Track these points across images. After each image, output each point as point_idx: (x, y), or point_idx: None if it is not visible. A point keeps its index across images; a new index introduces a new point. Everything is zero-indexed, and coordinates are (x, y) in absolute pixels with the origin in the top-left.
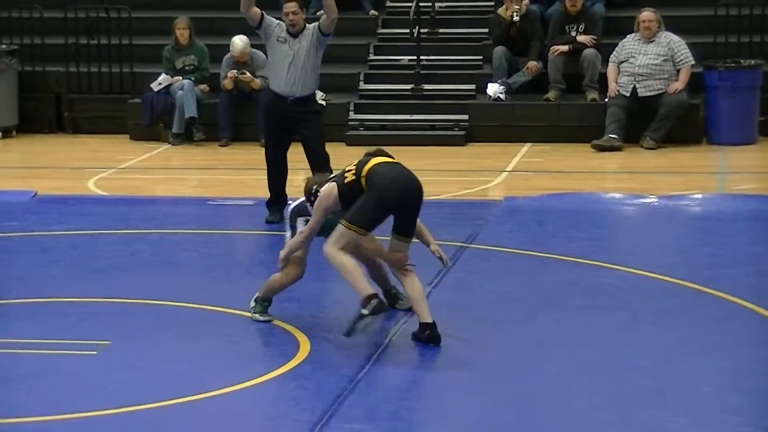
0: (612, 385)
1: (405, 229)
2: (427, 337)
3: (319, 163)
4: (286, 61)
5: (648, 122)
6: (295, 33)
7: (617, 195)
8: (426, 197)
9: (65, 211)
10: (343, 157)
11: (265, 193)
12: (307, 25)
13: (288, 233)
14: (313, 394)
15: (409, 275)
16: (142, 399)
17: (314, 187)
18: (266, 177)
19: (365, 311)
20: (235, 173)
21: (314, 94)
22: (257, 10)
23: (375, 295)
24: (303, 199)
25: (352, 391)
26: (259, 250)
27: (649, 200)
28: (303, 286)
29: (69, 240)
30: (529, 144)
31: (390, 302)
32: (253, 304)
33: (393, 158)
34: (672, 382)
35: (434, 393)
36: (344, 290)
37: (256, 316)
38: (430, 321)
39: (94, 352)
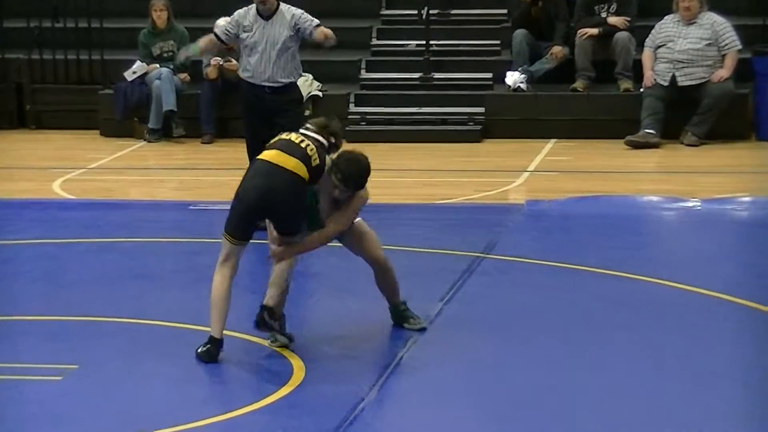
0: (648, 412)
1: (278, 228)
2: (257, 318)
3: None
4: (258, 47)
5: (689, 115)
6: (266, 14)
7: (654, 198)
8: (438, 201)
9: (27, 217)
10: None
11: None
12: (282, 5)
13: None
14: (309, 426)
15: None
16: (113, 431)
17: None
18: None
19: (198, 350)
20: (219, 174)
21: (295, 81)
22: (216, 41)
23: (215, 342)
24: None
25: (354, 423)
26: (247, 262)
27: (690, 204)
28: (298, 302)
29: (31, 250)
30: (553, 140)
31: (398, 321)
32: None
33: (286, 150)
34: (715, 408)
35: (447, 425)
36: (346, 307)
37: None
38: (267, 304)
39: (60, 378)
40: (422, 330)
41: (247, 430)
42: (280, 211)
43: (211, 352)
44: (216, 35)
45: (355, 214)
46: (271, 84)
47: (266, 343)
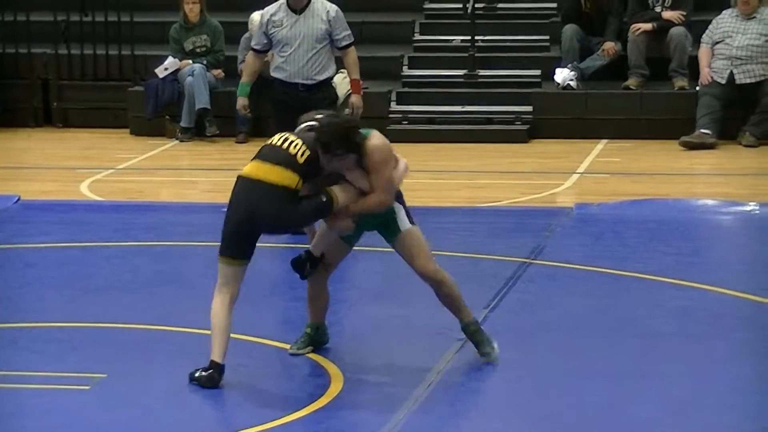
0: (705, 429)
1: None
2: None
3: None
4: (291, 42)
5: (747, 115)
6: (298, 7)
7: (710, 202)
8: (483, 203)
9: (54, 220)
10: None
11: None
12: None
13: None
14: None
15: None
16: None
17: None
18: None
19: (195, 374)
20: None
21: (330, 78)
22: (257, 58)
23: (217, 366)
24: None
25: (401, 428)
26: (283, 268)
27: (748, 208)
28: (335, 309)
29: (58, 254)
30: (604, 141)
31: (471, 341)
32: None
33: (267, 158)
34: None
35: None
36: (385, 313)
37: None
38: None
39: (87, 387)
40: (493, 361)
41: None
42: (272, 225)
43: (214, 377)
44: (254, 50)
45: (389, 169)
46: (304, 81)
47: (300, 352)
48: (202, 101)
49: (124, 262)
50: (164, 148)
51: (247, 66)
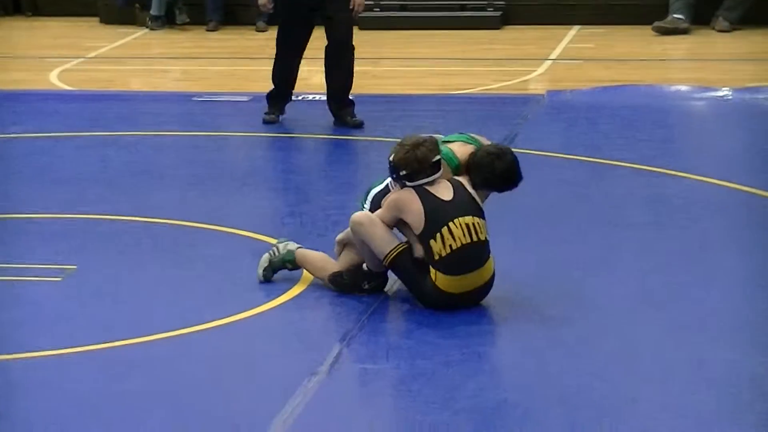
0: (680, 320)
1: None
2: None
3: (338, 55)
4: None
5: (721, 0)
6: None
7: (683, 87)
8: (455, 91)
9: (22, 110)
10: (355, 44)
11: (262, 87)
12: None
13: None
14: (320, 327)
15: None
16: (116, 334)
17: (408, 165)
18: (271, 66)
19: (365, 286)
20: (225, 63)
21: None
22: None
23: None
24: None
25: (367, 324)
26: (256, 156)
27: (721, 93)
28: (314, 200)
29: (27, 144)
30: (577, 27)
31: None
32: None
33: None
34: (752, 317)
35: (465, 327)
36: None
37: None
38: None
39: (59, 279)
40: None
41: (257, 332)
42: None
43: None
44: None
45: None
46: None
47: (274, 241)
48: None
49: (95, 153)
50: (134, 36)
51: None
